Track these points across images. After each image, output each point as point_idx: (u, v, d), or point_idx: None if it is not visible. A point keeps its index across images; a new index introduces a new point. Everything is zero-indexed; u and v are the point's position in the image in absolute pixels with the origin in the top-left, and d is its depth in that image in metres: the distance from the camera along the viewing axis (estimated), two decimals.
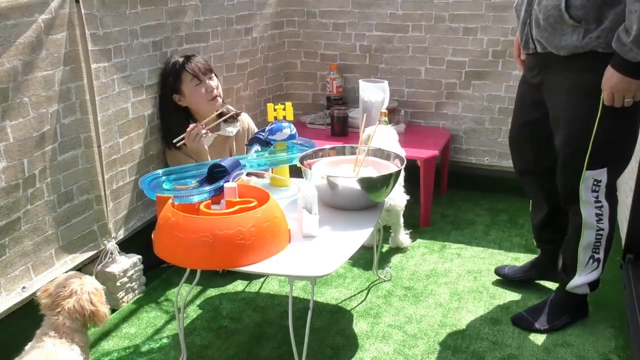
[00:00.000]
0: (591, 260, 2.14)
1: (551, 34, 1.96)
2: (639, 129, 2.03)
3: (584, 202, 2.07)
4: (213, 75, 2.63)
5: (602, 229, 2.09)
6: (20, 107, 1.91)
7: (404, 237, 2.85)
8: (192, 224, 1.73)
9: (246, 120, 2.81)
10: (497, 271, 2.59)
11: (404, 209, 2.76)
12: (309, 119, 3.56)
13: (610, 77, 1.86)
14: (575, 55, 1.93)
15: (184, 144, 2.47)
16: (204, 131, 2.45)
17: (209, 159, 2.52)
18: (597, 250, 2.13)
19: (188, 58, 2.56)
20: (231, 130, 2.69)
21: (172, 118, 2.57)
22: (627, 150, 2.06)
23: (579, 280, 2.18)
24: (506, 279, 2.55)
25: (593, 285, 2.19)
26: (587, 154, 2.00)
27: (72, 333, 1.61)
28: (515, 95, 2.32)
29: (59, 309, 1.61)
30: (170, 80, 2.54)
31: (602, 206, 2.06)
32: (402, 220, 2.81)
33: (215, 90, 2.59)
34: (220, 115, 2.61)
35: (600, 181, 2.03)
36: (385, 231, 2.85)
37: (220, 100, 2.64)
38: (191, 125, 2.45)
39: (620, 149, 2.03)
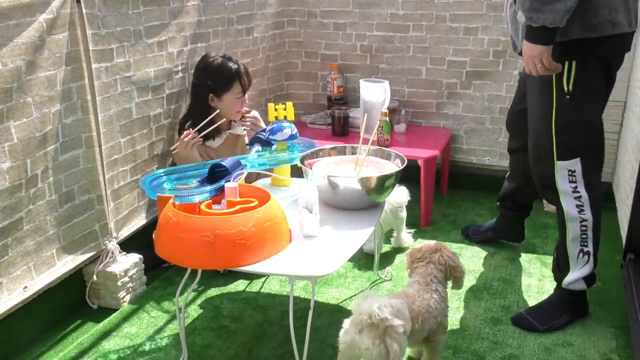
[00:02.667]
0: (581, 254, 2.16)
1: (515, 30, 2.04)
2: (599, 117, 2.08)
3: (562, 193, 2.11)
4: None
5: (586, 220, 2.11)
6: (24, 107, 1.92)
7: (406, 235, 2.85)
8: (193, 223, 1.74)
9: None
10: (463, 231, 2.98)
11: (406, 203, 2.73)
12: (309, 118, 3.56)
13: (524, 47, 1.93)
14: None
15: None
16: (193, 141, 2.43)
17: None
18: (585, 243, 2.15)
19: (240, 67, 2.58)
20: (242, 129, 2.72)
21: (197, 111, 2.56)
22: (595, 138, 2.08)
23: (573, 275, 2.19)
24: (468, 238, 2.93)
25: (589, 280, 2.20)
26: (554, 145, 2.06)
27: (435, 282, 1.87)
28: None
29: (427, 260, 1.90)
30: (215, 80, 2.53)
31: (581, 197, 2.09)
32: (404, 217, 2.79)
33: (244, 109, 2.67)
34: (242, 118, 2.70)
35: (574, 171, 2.07)
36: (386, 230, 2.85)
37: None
38: (185, 132, 2.43)
39: (584, 138, 2.05)
